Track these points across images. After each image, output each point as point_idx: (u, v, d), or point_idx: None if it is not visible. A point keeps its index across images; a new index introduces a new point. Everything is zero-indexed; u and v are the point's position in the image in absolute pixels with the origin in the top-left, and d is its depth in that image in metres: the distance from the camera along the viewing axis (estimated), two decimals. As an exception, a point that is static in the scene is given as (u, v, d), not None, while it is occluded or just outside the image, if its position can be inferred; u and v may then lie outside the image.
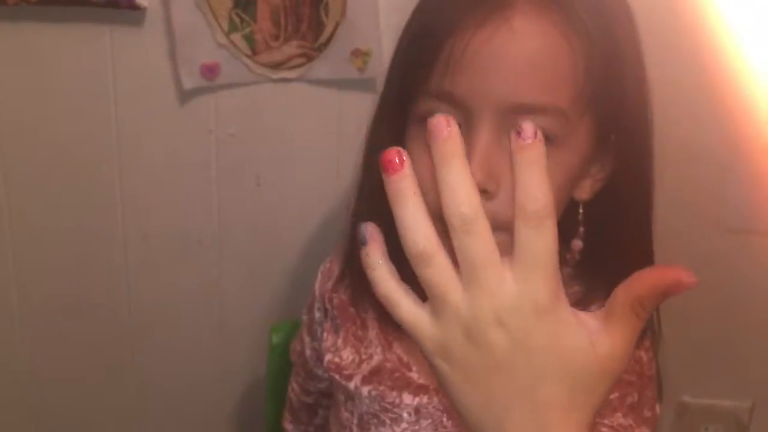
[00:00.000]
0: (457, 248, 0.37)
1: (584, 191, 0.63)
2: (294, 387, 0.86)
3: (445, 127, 0.37)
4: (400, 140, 0.62)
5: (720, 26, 0.84)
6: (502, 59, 0.55)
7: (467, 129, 0.57)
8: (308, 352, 0.80)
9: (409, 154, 0.59)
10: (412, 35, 0.62)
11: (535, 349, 0.37)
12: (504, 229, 0.51)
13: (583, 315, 0.39)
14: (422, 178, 0.52)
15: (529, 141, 0.37)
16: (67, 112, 0.88)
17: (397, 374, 0.68)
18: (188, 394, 1.04)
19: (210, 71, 0.86)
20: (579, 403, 0.38)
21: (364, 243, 0.40)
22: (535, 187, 0.37)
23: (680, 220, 0.96)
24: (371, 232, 0.40)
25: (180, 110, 0.89)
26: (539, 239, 0.37)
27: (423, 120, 0.58)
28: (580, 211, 0.64)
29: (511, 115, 0.56)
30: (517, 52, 0.55)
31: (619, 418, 0.62)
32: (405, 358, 0.68)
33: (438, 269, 0.38)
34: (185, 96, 0.88)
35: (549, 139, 0.56)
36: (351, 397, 0.70)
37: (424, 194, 0.38)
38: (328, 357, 0.72)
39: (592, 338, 0.38)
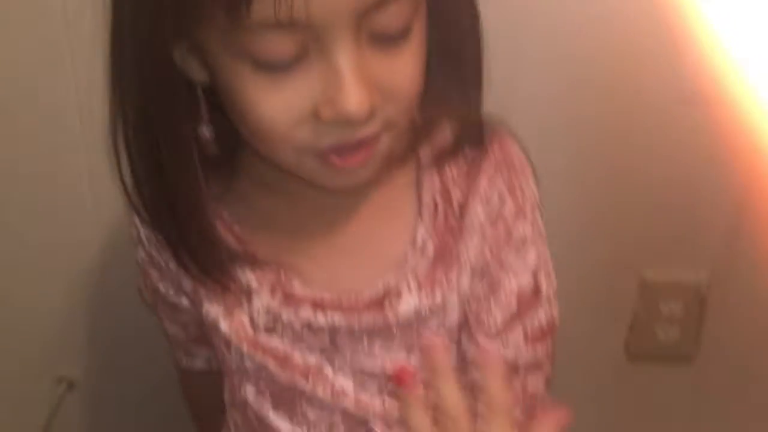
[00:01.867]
0: None
1: None
2: (170, 327, 0.77)
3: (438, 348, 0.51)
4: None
5: None
6: None
7: (321, 47, 0.50)
8: (162, 287, 0.72)
9: (258, 99, 0.54)
10: None
11: None
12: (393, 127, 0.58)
13: None
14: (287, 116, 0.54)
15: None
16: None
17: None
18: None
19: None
20: None
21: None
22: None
23: (639, 93, 0.95)
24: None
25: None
26: None
27: (258, 59, 0.51)
28: None
29: (368, 15, 0.50)
30: None
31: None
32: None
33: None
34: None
35: (407, 33, 0.53)
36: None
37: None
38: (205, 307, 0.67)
39: None
